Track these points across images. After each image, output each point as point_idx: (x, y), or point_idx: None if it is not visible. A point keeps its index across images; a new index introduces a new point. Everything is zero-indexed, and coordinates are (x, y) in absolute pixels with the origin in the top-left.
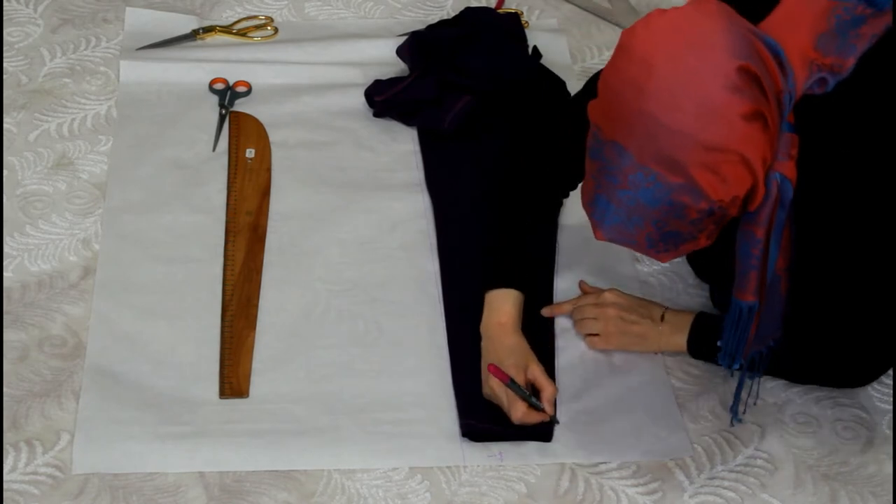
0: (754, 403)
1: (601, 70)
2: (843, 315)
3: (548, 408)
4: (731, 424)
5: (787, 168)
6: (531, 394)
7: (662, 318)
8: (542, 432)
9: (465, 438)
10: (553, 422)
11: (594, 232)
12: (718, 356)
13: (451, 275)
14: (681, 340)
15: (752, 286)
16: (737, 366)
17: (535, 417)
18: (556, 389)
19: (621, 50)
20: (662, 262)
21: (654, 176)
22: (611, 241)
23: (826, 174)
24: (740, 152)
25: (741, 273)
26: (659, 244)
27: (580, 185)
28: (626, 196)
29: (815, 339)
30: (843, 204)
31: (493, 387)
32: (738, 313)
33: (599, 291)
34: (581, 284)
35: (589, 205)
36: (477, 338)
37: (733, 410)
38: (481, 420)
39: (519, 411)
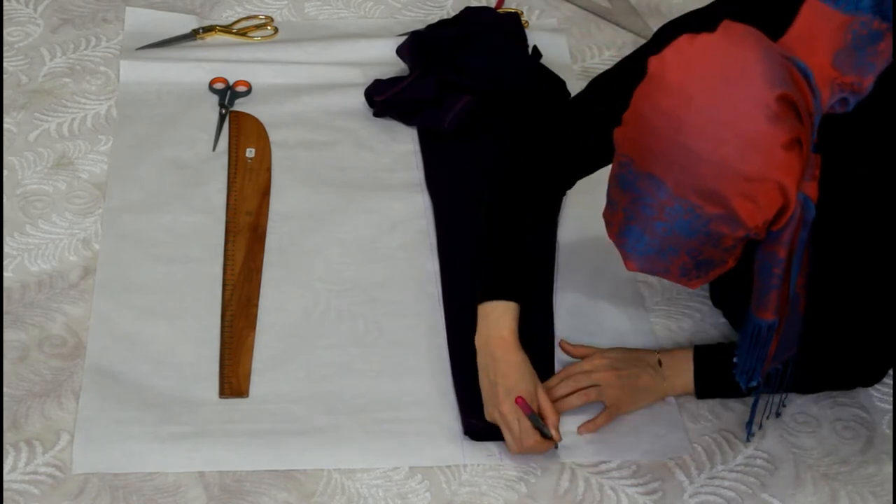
0: (776, 416)
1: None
2: (856, 325)
3: (555, 434)
4: (747, 440)
5: (810, 188)
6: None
7: (659, 363)
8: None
9: (467, 437)
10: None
11: (625, 263)
12: (735, 372)
13: (451, 275)
14: (685, 382)
15: (773, 305)
16: (754, 383)
17: (543, 448)
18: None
19: (653, 80)
20: (692, 288)
21: (693, 207)
22: (642, 271)
23: (844, 191)
24: (778, 180)
25: (761, 292)
26: (692, 272)
27: (603, 214)
28: (662, 227)
29: (829, 349)
30: (860, 220)
31: (506, 413)
32: (757, 331)
33: (583, 353)
34: (562, 345)
35: (619, 236)
36: None
37: (748, 427)
38: (483, 419)
39: (531, 439)
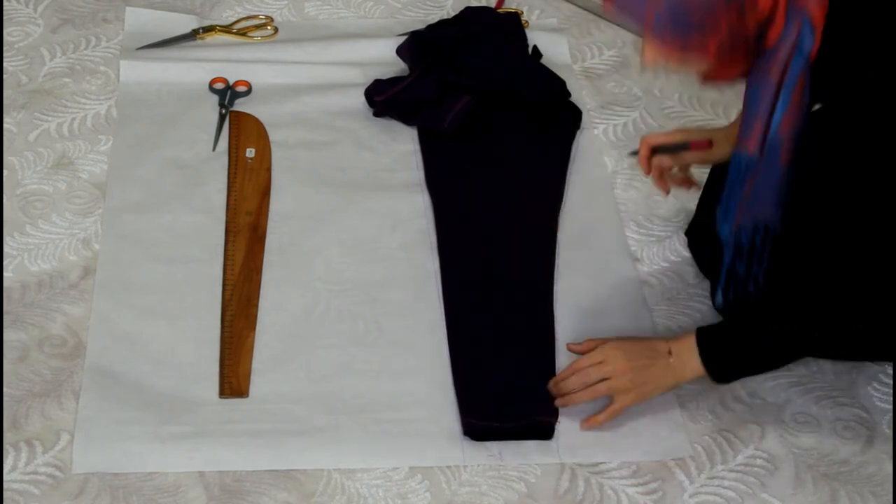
0: (751, 289)
1: None
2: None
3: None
4: (714, 306)
5: (815, 11)
6: None
7: (669, 352)
8: (543, 431)
9: (466, 437)
10: (554, 418)
11: (604, 3)
12: (716, 216)
13: (451, 275)
14: (695, 367)
15: (756, 135)
16: (728, 227)
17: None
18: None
19: None
20: (666, 65)
21: None
22: (620, 12)
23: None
24: None
25: (746, 122)
26: (666, 29)
27: None
28: None
29: (857, 314)
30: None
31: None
32: (738, 167)
33: (591, 346)
34: (569, 347)
35: None
36: (477, 338)
37: (715, 296)
38: (481, 418)
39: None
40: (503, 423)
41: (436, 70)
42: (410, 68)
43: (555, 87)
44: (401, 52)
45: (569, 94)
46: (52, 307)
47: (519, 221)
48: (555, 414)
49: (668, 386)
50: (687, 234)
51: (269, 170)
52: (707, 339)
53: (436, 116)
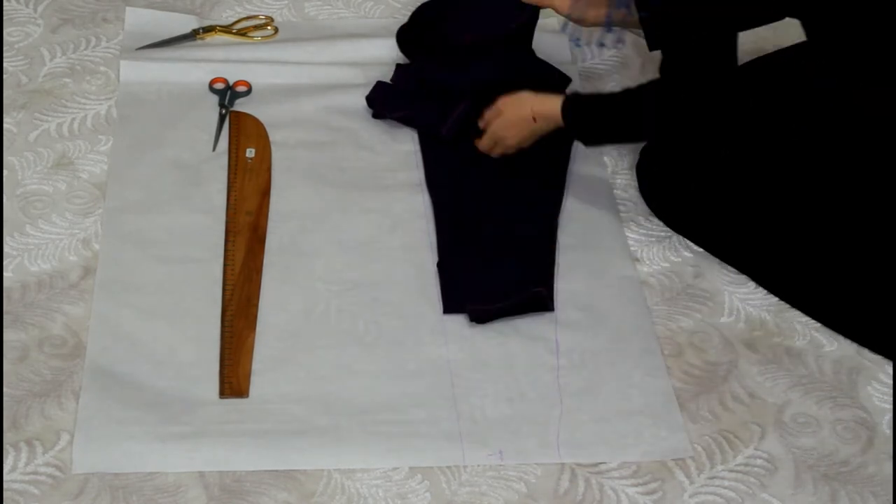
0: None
1: None
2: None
3: None
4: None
5: None
6: None
7: (534, 118)
8: (541, 302)
9: (474, 323)
10: (550, 293)
11: None
12: None
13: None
14: (553, 105)
15: None
16: None
17: None
18: None
19: None
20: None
21: None
22: None
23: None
24: None
25: None
26: None
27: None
28: None
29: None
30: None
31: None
32: None
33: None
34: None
35: None
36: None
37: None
38: (485, 303)
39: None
40: (505, 302)
41: (431, 63)
42: (408, 56)
43: (555, 85)
44: (396, 77)
45: (570, 81)
46: (52, 307)
47: (519, 221)
48: (549, 288)
49: (524, 117)
50: (637, 173)
51: (269, 170)
52: (573, 99)
53: (433, 125)
